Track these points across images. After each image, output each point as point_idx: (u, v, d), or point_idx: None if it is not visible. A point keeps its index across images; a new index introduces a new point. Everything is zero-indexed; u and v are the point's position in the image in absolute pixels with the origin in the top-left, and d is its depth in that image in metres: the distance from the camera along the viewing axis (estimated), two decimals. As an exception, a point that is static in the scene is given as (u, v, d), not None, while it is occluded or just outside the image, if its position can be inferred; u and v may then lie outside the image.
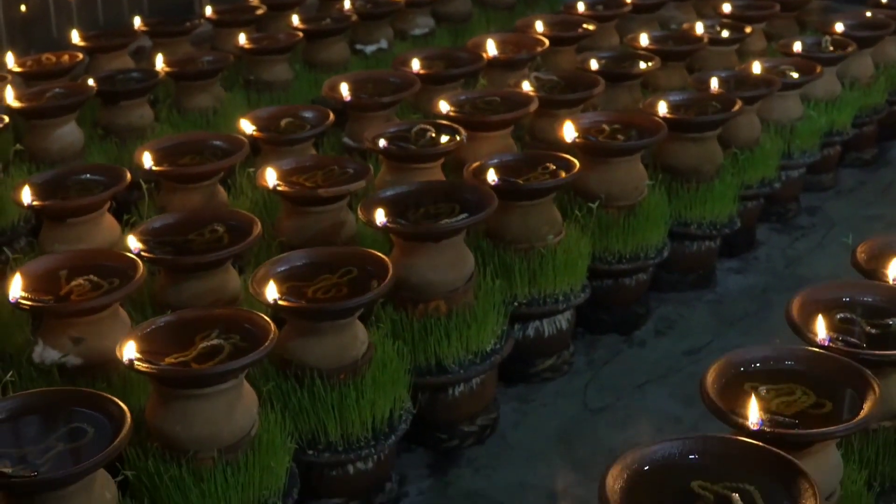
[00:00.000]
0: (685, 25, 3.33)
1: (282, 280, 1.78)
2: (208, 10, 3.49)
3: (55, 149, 2.59)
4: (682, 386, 2.22)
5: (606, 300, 2.38)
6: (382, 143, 2.28)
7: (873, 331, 1.64)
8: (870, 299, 1.70)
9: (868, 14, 3.42)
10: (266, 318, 1.63)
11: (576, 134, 2.33)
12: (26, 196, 2.09)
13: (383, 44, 3.47)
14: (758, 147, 2.70)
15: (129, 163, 2.41)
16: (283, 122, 2.47)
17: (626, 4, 3.49)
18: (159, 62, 2.98)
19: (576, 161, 2.17)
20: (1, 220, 2.44)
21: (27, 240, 2.45)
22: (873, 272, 1.80)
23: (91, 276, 1.82)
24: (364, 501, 1.85)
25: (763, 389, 1.47)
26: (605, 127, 2.41)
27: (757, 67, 2.86)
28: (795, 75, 2.85)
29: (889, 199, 3.12)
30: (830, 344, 1.57)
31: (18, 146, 2.59)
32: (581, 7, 3.46)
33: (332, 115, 2.48)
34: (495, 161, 2.20)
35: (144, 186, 2.26)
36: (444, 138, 2.30)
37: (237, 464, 1.57)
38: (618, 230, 2.31)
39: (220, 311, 1.69)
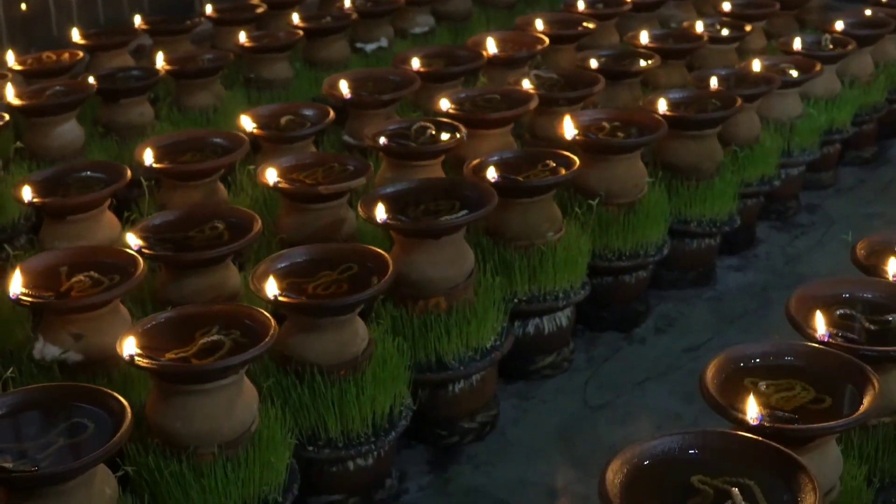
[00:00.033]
0: (685, 24, 3.33)
1: (282, 276, 1.78)
2: (209, 9, 3.49)
3: (55, 146, 2.60)
4: (681, 383, 2.22)
5: (606, 297, 2.38)
6: (383, 140, 2.28)
7: (873, 327, 1.64)
8: (869, 296, 1.71)
9: (868, 12, 3.42)
10: (266, 314, 1.63)
11: (576, 131, 2.33)
12: (27, 193, 2.09)
13: (383, 42, 3.47)
14: (758, 145, 2.71)
15: (129, 161, 2.41)
16: (284, 120, 2.48)
17: (627, 3, 3.48)
18: (160, 60, 2.98)
19: (576, 158, 2.18)
20: (1, 217, 2.44)
21: (27, 237, 2.46)
22: (873, 269, 1.80)
23: (91, 273, 1.82)
24: (364, 498, 1.85)
25: (763, 385, 1.48)
26: (606, 124, 2.41)
27: (757, 65, 2.86)
28: (795, 73, 2.85)
29: (889, 197, 3.12)
30: (830, 340, 1.57)
31: (19, 144, 2.59)
32: (581, 5, 3.46)
33: (332, 113, 2.48)
34: (495, 158, 2.20)
35: (145, 184, 2.26)
36: (445, 136, 2.30)
37: (237, 459, 1.57)
38: (618, 227, 2.31)
39: (221, 307, 1.70)
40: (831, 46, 3.07)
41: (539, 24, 3.24)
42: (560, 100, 2.56)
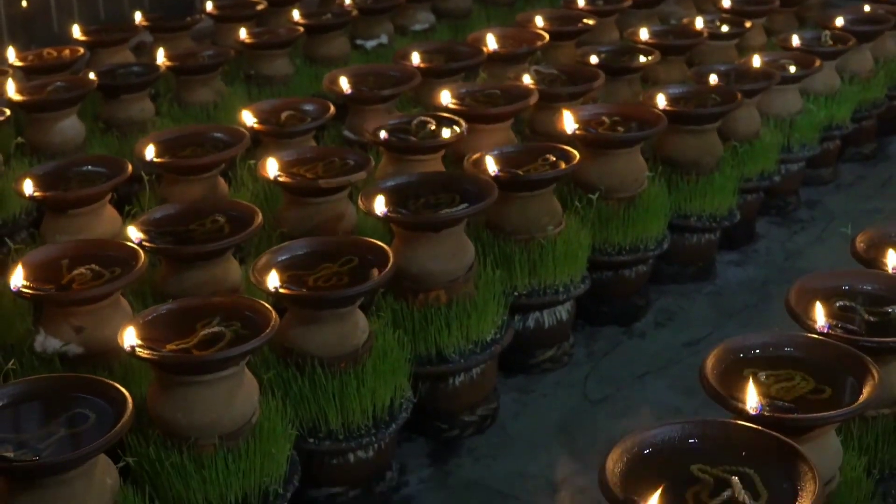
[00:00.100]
0: (685, 20, 3.33)
1: (283, 269, 1.79)
2: (209, 6, 3.50)
3: (56, 142, 2.60)
4: (681, 377, 2.22)
5: (606, 292, 2.38)
6: (383, 134, 2.29)
7: (872, 318, 1.64)
8: (869, 287, 1.71)
9: (867, 9, 3.43)
10: (267, 305, 1.64)
11: (576, 126, 2.33)
12: (28, 187, 2.09)
13: (384, 39, 3.48)
14: (757, 140, 2.71)
15: (129, 156, 2.42)
16: (284, 115, 2.48)
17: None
18: (160, 57, 2.99)
19: (576, 152, 2.18)
20: (2, 212, 2.45)
21: (28, 232, 2.46)
22: (873, 261, 1.81)
23: (92, 266, 1.82)
24: (365, 490, 1.85)
25: (762, 375, 1.48)
26: (605, 119, 2.41)
27: (756, 61, 2.86)
28: (794, 69, 2.86)
29: (888, 193, 3.12)
30: (830, 331, 1.57)
31: (20, 139, 2.60)
32: (581, 2, 3.46)
33: (332, 108, 2.49)
34: (496, 152, 2.20)
35: (146, 178, 2.26)
36: (445, 131, 2.30)
37: (238, 451, 1.57)
38: (618, 222, 2.32)
39: (222, 298, 1.70)
40: (831, 43, 3.07)
41: (539, 21, 3.24)
42: (560, 95, 2.56)
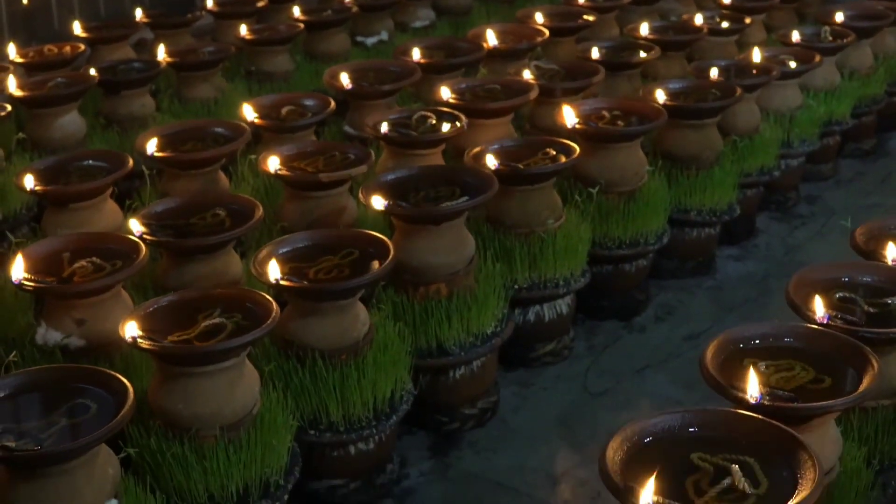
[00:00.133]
0: (685, 16, 3.33)
1: (284, 261, 1.79)
2: (209, 3, 3.50)
3: (57, 138, 2.61)
4: (681, 370, 2.22)
5: (606, 286, 2.39)
6: (384, 128, 2.29)
7: (872, 310, 1.65)
8: (868, 279, 1.71)
9: (867, 4, 3.43)
10: (268, 297, 1.64)
11: (576, 120, 2.34)
12: (29, 181, 2.10)
13: (384, 36, 3.48)
14: (757, 135, 2.71)
15: (130, 152, 2.42)
16: (285, 110, 2.48)
17: (627, -4, 3.50)
18: (161, 53, 2.99)
19: (576, 146, 2.18)
20: (3, 207, 2.45)
21: (30, 226, 2.46)
22: (872, 254, 1.81)
23: (94, 259, 1.82)
24: (365, 482, 1.85)
25: (762, 365, 1.48)
26: (606, 113, 2.42)
27: (756, 56, 2.87)
28: (794, 65, 2.86)
29: (888, 188, 3.12)
30: (829, 321, 1.58)
31: (21, 135, 2.60)
32: (581, -1, 3.47)
33: (332, 103, 2.49)
34: (496, 146, 2.21)
35: (147, 173, 2.27)
36: (445, 125, 2.30)
37: (239, 442, 1.58)
38: (618, 216, 2.32)
39: (223, 290, 1.71)
40: (831, 38, 3.08)
41: (539, 17, 3.25)
42: (560, 90, 2.57)
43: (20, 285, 1.75)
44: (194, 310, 1.64)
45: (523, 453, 1.99)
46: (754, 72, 2.74)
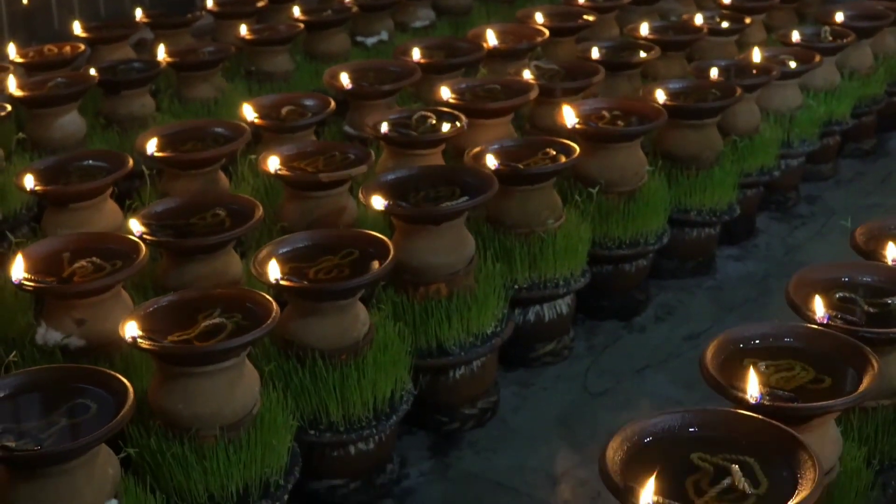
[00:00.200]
0: (685, 16, 3.33)
1: (284, 261, 1.79)
2: (209, 3, 3.50)
3: (57, 137, 2.61)
4: (681, 370, 2.22)
5: (606, 286, 2.39)
6: (384, 128, 2.29)
7: (872, 310, 1.65)
8: (868, 279, 1.71)
9: (867, 4, 3.43)
10: (268, 297, 1.64)
11: (576, 120, 2.34)
12: (29, 181, 2.10)
13: (384, 36, 3.48)
14: (757, 135, 2.71)
15: (130, 152, 2.42)
16: (285, 110, 2.48)
17: (627, -5, 3.50)
18: (161, 53, 2.99)
19: (576, 146, 2.18)
20: (3, 207, 2.45)
21: (30, 226, 2.46)
22: (872, 254, 1.81)
23: (94, 259, 1.82)
24: (365, 482, 1.85)
25: (762, 365, 1.48)
26: (606, 113, 2.42)
27: (756, 56, 2.87)
28: (794, 65, 2.86)
29: (888, 188, 3.13)
30: (829, 321, 1.58)
31: (21, 135, 2.60)
32: (581, -1, 3.47)
33: (332, 103, 2.49)
34: (496, 146, 2.21)
35: (147, 173, 2.27)
36: (445, 125, 2.30)
37: (239, 442, 1.58)
38: (618, 216, 2.32)
39: (222, 290, 1.71)
40: (831, 38, 3.08)
41: (539, 18, 3.25)
42: (560, 90, 2.57)
43: (20, 285, 1.75)
44: (194, 310, 1.65)
45: (523, 453, 1.99)
46: (754, 72, 2.74)
